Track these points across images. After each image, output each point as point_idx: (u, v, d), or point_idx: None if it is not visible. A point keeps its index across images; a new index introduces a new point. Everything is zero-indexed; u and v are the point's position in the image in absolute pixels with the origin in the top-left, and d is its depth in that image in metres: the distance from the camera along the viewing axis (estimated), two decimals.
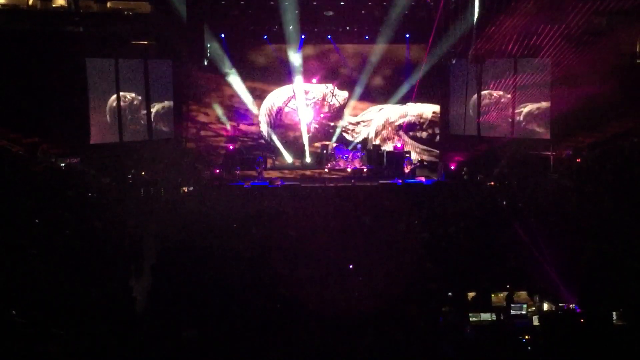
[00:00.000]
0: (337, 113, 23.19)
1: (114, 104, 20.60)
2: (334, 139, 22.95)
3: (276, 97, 23.06)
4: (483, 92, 21.30)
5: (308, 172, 22.23)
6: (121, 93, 20.85)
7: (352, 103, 23.20)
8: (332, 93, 22.89)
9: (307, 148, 22.86)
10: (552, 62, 19.55)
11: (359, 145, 22.92)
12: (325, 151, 22.42)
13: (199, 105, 22.76)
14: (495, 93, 21.10)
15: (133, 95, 21.19)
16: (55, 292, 9.09)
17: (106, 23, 19.75)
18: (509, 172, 19.28)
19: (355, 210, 15.48)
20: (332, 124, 22.99)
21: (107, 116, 20.41)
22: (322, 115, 22.87)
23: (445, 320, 8.63)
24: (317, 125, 22.80)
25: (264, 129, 23.04)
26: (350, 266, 10.33)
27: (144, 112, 21.35)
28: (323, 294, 9.18)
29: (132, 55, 20.97)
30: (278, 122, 23.04)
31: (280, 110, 23.00)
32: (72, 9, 19.54)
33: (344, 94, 22.96)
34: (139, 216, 15.21)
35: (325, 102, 22.99)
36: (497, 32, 18.88)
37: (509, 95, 20.99)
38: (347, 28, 21.66)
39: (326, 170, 22.08)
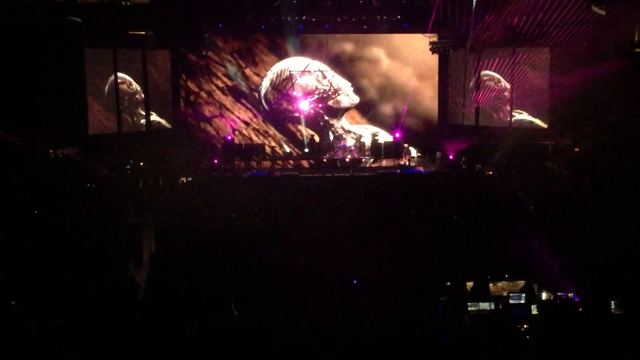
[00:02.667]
0: (337, 112, 23.09)
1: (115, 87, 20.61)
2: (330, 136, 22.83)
3: (294, 63, 22.93)
4: (487, 73, 21.16)
5: (307, 162, 22.22)
6: (128, 78, 20.90)
7: (354, 112, 23.16)
8: (336, 92, 22.76)
9: (304, 133, 22.80)
10: (551, 51, 19.53)
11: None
12: (323, 141, 22.37)
13: (197, 95, 22.74)
14: (503, 83, 21.02)
15: (138, 88, 21.20)
16: (54, 283, 9.10)
17: (104, 13, 19.69)
18: (508, 162, 19.28)
19: (354, 201, 15.49)
20: (326, 118, 22.87)
21: (105, 92, 20.35)
22: (320, 105, 22.77)
23: (444, 309, 8.65)
24: (312, 111, 22.69)
25: (265, 84, 22.88)
26: (355, 281, 10.31)
27: (143, 112, 21.33)
28: (322, 283, 9.19)
29: (131, 46, 20.93)
30: (281, 86, 22.88)
31: (289, 77, 22.83)
32: None
33: (355, 98, 22.88)
34: (137, 206, 15.22)
35: (334, 97, 22.89)
36: (496, 20, 18.84)
37: (508, 86, 20.94)
38: (345, 18, 21.58)
39: (325, 160, 22.05)
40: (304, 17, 21.41)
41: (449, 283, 9.47)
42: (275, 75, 22.87)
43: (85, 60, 19.71)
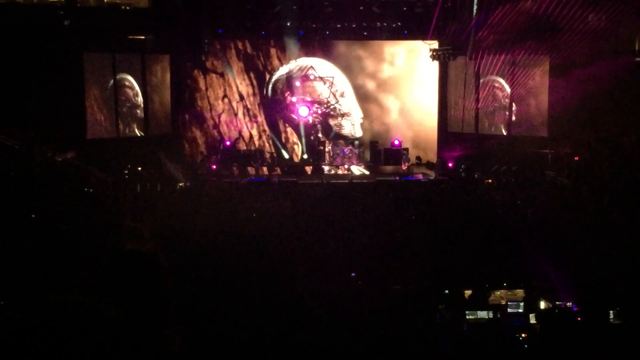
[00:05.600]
0: (331, 134, 22.83)
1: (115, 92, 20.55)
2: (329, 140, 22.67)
3: (311, 63, 22.77)
4: (499, 81, 21.13)
5: (305, 169, 22.19)
6: (136, 88, 20.88)
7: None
8: (344, 115, 22.64)
9: (303, 141, 22.68)
10: (550, 59, 19.52)
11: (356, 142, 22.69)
12: (322, 147, 22.32)
13: (197, 100, 22.66)
14: (507, 97, 21.00)
15: (141, 103, 21.12)
16: (50, 288, 9.06)
17: (103, 17, 19.69)
18: (507, 170, 19.26)
19: (353, 208, 15.46)
20: (320, 135, 22.63)
21: (105, 96, 20.29)
22: (320, 119, 22.58)
23: (442, 318, 8.60)
24: (309, 120, 22.53)
25: (281, 72, 22.65)
26: (353, 274, 10.29)
27: (137, 131, 21.28)
28: (321, 292, 9.15)
29: (130, 50, 20.92)
30: (293, 80, 22.64)
31: (299, 78, 22.67)
32: (69, 2, 19.48)
33: (359, 132, 22.75)
34: (135, 212, 15.16)
35: (340, 120, 22.72)
36: (496, 27, 18.84)
37: (508, 93, 20.93)
38: (345, 24, 21.58)
39: (323, 167, 22.02)
40: (304, 23, 21.40)
41: (447, 291, 9.42)
42: (296, 68, 22.66)
43: (84, 64, 19.68)
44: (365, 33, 21.87)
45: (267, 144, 22.92)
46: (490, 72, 20.92)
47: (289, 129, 22.87)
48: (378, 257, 10.84)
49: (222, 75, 22.67)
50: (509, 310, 9.10)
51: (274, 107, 22.78)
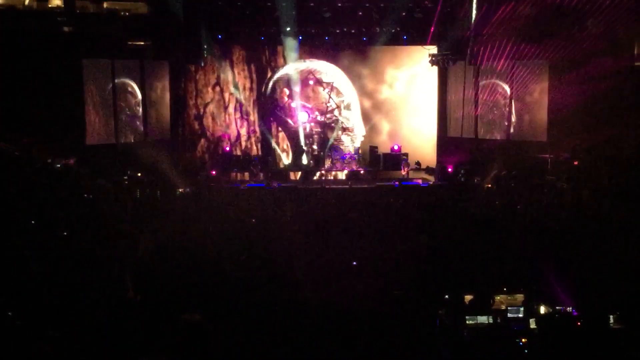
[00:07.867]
0: (326, 145, 22.68)
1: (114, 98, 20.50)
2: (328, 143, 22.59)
3: (319, 67, 22.50)
4: (503, 87, 21.12)
5: (305, 174, 22.16)
6: (139, 97, 20.84)
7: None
8: (345, 129, 22.54)
9: (303, 143, 22.58)
10: (550, 64, 19.53)
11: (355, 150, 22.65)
12: (322, 153, 22.31)
13: (182, 83, 22.44)
14: (506, 101, 21.01)
15: (140, 113, 21.07)
16: (51, 293, 9.06)
17: (102, 23, 19.69)
18: (507, 175, 19.26)
19: (352, 213, 15.46)
20: (315, 147, 22.48)
21: (105, 102, 20.23)
22: (319, 129, 22.45)
23: (442, 323, 8.60)
24: (306, 127, 22.36)
25: (284, 71, 22.37)
26: (354, 263, 10.33)
27: (139, 123, 21.27)
28: (321, 294, 9.15)
29: (129, 56, 20.91)
30: (295, 83, 22.44)
31: (299, 81, 22.42)
32: (68, 9, 19.48)
33: (357, 143, 22.68)
34: (134, 217, 15.16)
35: (340, 134, 22.58)
36: (495, 31, 18.85)
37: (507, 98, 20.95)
38: (345, 30, 21.58)
39: (323, 172, 22.00)
40: (303, 29, 21.38)
41: (447, 296, 9.41)
42: (303, 69, 22.44)
43: (84, 71, 19.68)
44: (364, 38, 21.86)
45: (254, 147, 22.60)
46: (490, 77, 20.95)
47: (281, 133, 22.60)
48: (378, 262, 10.84)
49: (218, 58, 22.11)
50: (509, 315, 9.08)
51: (270, 107, 22.52)
